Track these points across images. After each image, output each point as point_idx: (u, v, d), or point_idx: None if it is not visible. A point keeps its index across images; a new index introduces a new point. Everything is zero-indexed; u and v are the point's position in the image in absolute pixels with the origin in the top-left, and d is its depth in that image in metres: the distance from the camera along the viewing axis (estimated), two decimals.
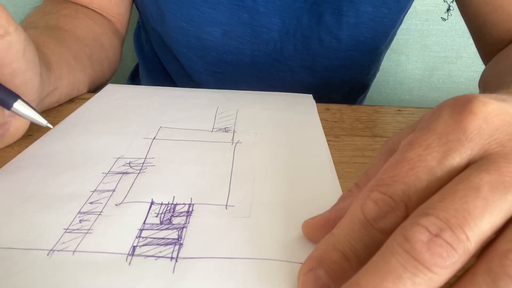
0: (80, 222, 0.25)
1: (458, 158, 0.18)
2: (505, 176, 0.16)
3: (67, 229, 0.24)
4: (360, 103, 0.69)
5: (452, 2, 0.78)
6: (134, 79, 0.75)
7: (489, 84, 0.44)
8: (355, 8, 0.51)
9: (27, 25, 0.45)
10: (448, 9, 0.77)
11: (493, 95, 0.20)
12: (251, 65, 0.56)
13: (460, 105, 0.19)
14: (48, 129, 0.32)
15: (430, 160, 0.18)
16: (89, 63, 0.47)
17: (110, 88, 0.46)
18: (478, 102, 0.19)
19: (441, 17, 0.80)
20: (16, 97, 0.27)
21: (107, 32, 0.53)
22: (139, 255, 0.22)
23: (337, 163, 0.32)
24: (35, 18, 0.47)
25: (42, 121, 0.30)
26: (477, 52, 0.54)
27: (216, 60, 0.56)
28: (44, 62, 0.37)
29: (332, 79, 0.58)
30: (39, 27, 0.43)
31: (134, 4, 0.59)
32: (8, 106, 0.27)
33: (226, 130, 0.37)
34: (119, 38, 0.57)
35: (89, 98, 0.43)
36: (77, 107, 0.40)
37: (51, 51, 0.40)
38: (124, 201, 0.27)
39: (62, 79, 0.40)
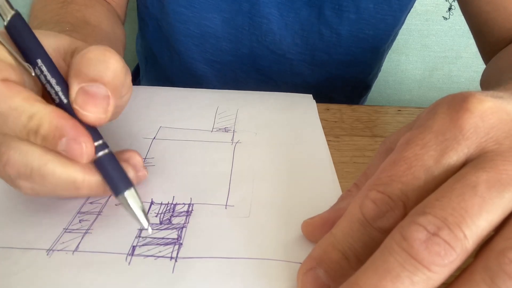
0: (79, 222, 0.25)
1: (455, 157, 0.18)
2: (502, 174, 0.16)
3: (66, 228, 0.24)
4: (362, 104, 0.69)
5: (453, 1, 0.78)
6: (134, 79, 0.76)
7: (489, 83, 0.44)
8: (355, 4, 0.51)
9: (53, 17, 0.42)
10: (450, 8, 0.77)
11: (490, 92, 0.20)
12: (250, 55, 0.56)
13: (456, 103, 0.19)
14: None
15: (427, 159, 0.18)
16: None
17: None
18: (474, 99, 0.19)
19: (443, 16, 0.80)
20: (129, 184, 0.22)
21: (116, 20, 0.53)
22: (138, 255, 0.22)
23: (337, 163, 0.32)
24: (55, 6, 0.45)
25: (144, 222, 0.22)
26: (477, 52, 0.54)
27: (215, 48, 0.56)
28: None
29: (332, 75, 0.58)
30: (71, 23, 0.42)
31: None
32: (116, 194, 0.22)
33: (226, 130, 0.37)
34: (122, 23, 0.57)
35: None
36: None
37: None
38: None
39: None
